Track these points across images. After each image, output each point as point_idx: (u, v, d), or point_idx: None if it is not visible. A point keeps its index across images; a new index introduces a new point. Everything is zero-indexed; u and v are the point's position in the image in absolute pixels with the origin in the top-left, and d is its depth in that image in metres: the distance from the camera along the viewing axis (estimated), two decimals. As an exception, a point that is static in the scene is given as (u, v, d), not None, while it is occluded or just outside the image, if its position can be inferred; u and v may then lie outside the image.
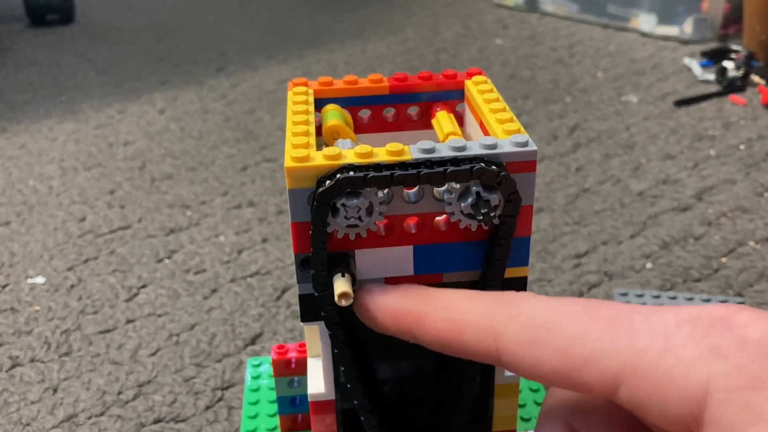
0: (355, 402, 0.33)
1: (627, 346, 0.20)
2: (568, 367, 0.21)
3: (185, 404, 0.51)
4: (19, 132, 0.97)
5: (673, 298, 0.58)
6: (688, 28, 1.21)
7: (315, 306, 0.31)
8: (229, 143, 0.91)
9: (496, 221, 0.29)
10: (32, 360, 0.56)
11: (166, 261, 0.67)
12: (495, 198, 0.29)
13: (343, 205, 0.29)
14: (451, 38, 1.29)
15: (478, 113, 0.36)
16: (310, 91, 0.38)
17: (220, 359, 0.55)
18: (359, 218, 0.29)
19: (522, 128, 0.31)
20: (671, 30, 1.23)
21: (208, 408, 0.50)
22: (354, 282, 0.31)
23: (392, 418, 0.36)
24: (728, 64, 1.05)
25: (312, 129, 0.33)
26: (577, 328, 0.21)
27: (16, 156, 0.90)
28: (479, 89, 0.36)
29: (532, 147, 0.29)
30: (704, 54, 1.11)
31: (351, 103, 0.39)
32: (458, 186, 0.29)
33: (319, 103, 0.39)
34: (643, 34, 1.25)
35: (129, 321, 0.59)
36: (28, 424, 0.50)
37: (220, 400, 0.51)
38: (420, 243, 0.31)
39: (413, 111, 0.40)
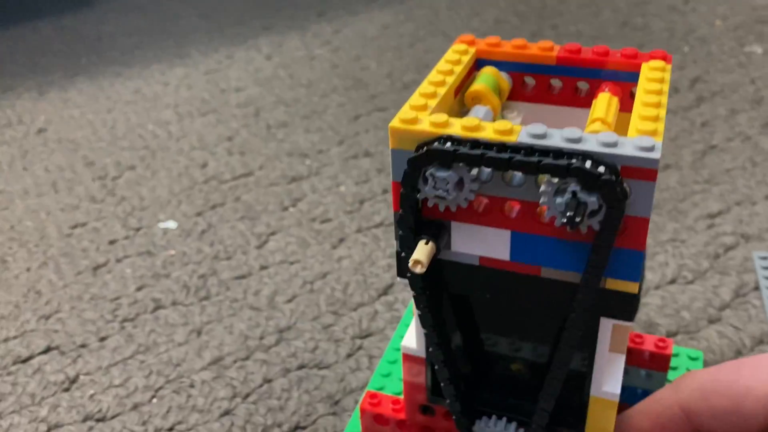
0: (435, 367, 0.33)
1: None
2: (735, 404, 0.28)
3: (327, 351, 0.52)
4: (132, 76, 0.99)
5: (818, 263, 0.56)
6: (813, -28, 1.13)
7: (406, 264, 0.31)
8: (338, 91, 0.91)
9: (596, 227, 0.27)
10: (174, 303, 0.58)
11: (291, 209, 0.68)
12: (594, 201, 0.26)
13: (432, 175, 0.28)
14: (555, -17, 1.24)
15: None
16: (472, 50, 0.37)
17: (355, 308, 0.56)
18: (447, 191, 0.28)
19: (660, 131, 0.28)
20: (794, -25, 1.15)
21: (349, 356, 0.51)
22: (438, 252, 0.30)
23: (478, 391, 0.35)
24: None
25: (444, 91, 0.33)
26: (731, 376, 0.29)
27: (132, 101, 0.92)
28: (648, 76, 0.33)
29: (655, 155, 0.26)
30: (834, 1, 1.04)
31: (516, 68, 0.38)
32: (556, 181, 0.27)
33: (483, 64, 0.38)
34: (762, -21, 1.18)
35: (263, 267, 0.61)
36: (178, 365, 0.52)
37: (359, 348, 0.52)
38: (519, 230, 0.29)
39: (583, 87, 0.37)
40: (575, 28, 1.04)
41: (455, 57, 0.36)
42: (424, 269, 0.29)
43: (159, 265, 0.62)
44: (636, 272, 0.28)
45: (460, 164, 0.28)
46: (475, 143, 0.28)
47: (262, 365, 0.51)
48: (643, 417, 0.32)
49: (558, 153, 0.27)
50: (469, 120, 0.29)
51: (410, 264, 0.29)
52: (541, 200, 0.27)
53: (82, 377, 0.51)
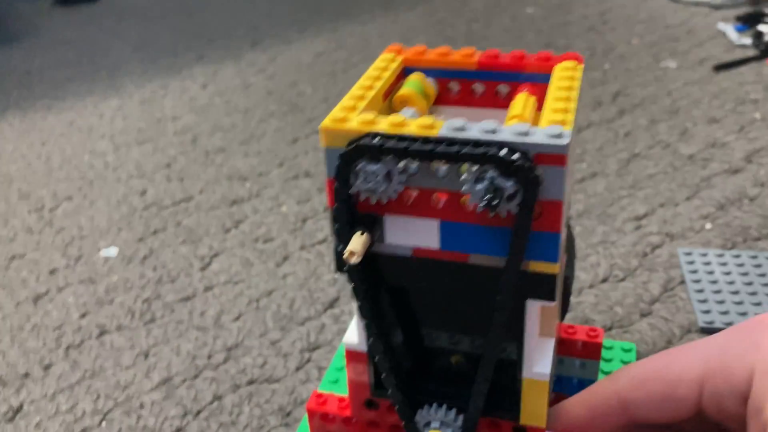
0: (376, 359, 0.34)
1: (699, 360, 0.29)
2: (669, 389, 0.29)
3: (276, 366, 0.53)
4: (64, 109, 0.98)
5: (737, 256, 0.60)
6: (718, -7, 1.21)
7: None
8: (275, 116, 0.92)
9: (514, 210, 0.29)
10: (119, 327, 0.57)
11: (233, 231, 0.69)
12: (510, 186, 0.28)
13: (362, 169, 0.30)
14: (480, 8, 1.29)
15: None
16: (399, 58, 0.39)
17: (302, 323, 0.56)
18: (376, 184, 0.30)
19: (569, 120, 0.30)
20: (702, -5, 1.23)
21: (298, 369, 0.52)
22: (373, 243, 0.32)
23: (420, 383, 0.37)
24: (764, 28, 1.06)
25: (372, 94, 0.34)
26: (663, 362, 0.31)
27: (66, 133, 0.91)
28: (560, 75, 0.35)
29: (563, 141, 0.28)
30: (739, 18, 1.11)
31: (441, 74, 0.39)
32: (475, 169, 0.29)
33: (410, 71, 0.40)
34: (673, 0, 1.25)
35: (207, 289, 0.61)
36: (126, 387, 0.52)
37: (308, 361, 0.53)
38: (447, 219, 0.31)
39: (503, 89, 0.39)
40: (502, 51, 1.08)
41: (383, 64, 0.38)
42: (359, 259, 0.30)
43: (102, 291, 0.62)
44: (554, 253, 0.30)
45: (388, 157, 0.30)
46: (401, 138, 0.30)
47: (211, 383, 0.51)
48: (580, 407, 0.33)
49: (476, 143, 0.29)
50: (395, 117, 0.31)
51: (346, 255, 0.30)
52: (463, 188, 0.29)
53: (26, 406, 0.51)
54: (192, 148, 0.85)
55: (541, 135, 0.29)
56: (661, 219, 0.66)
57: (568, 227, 0.49)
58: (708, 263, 0.59)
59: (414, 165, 0.30)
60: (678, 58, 1.02)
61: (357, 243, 0.30)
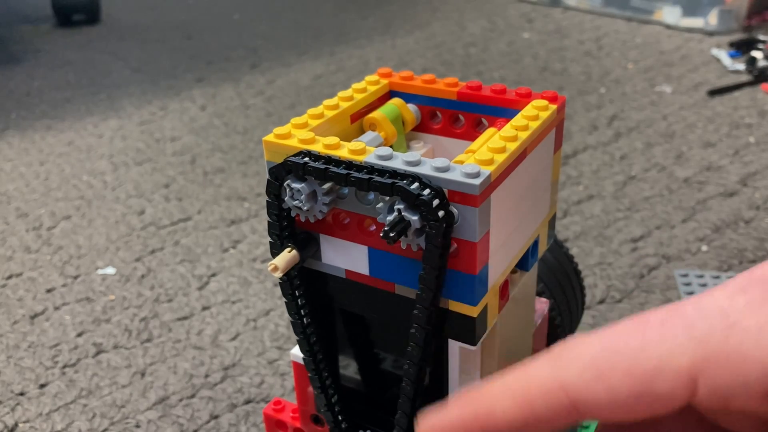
0: (309, 375, 0.34)
1: (690, 340, 0.20)
2: (643, 385, 0.20)
3: (273, 385, 0.52)
4: (64, 129, 0.98)
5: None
6: (712, 19, 1.23)
7: None
8: (274, 137, 0.92)
9: (422, 244, 0.28)
10: (116, 346, 0.57)
11: (232, 251, 0.69)
12: (417, 220, 0.27)
13: (289, 185, 0.30)
14: (477, 33, 1.30)
15: None
16: (384, 82, 0.39)
17: (299, 343, 0.56)
18: (301, 201, 0.30)
19: (498, 161, 0.29)
20: (696, 22, 1.24)
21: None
22: (302, 261, 0.31)
23: (362, 406, 0.36)
24: (757, 54, 1.07)
25: (333, 113, 0.34)
26: (633, 344, 0.21)
27: (65, 152, 0.91)
28: (524, 113, 0.34)
29: (475, 181, 0.27)
30: (732, 45, 1.13)
31: (424, 101, 0.39)
32: (387, 199, 0.28)
33: (396, 95, 0.40)
34: (668, 27, 1.27)
35: (205, 308, 0.61)
36: (123, 407, 0.51)
37: (306, 380, 0.53)
38: (375, 246, 0.31)
39: (484, 122, 0.38)
40: (498, 74, 1.10)
41: (362, 86, 0.38)
42: (281, 274, 0.30)
43: (99, 310, 0.62)
44: (470, 295, 0.29)
45: (312, 177, 0.29)
46: (328, 159, 0.29)
47: (208, 402, 0.51)
48: (506, 396, 0.23)
49: (393, 173, 0.28)
50: (330, 139, 0.30)
51: (269, 268, 0.30)
52: (379, 217, 0.29)
53: (21, 425, 0.50)
54: (191, 169, 0.85)
55: (458, 173, 0.27)
56: (657, 241, 0.67)
57: (575, 272, 0.48)
58: (704, 285, 0.59)
59: (345, 188, 0.30)
60: (673, 83, 1.03)
61: (282, 259, 0.30)
